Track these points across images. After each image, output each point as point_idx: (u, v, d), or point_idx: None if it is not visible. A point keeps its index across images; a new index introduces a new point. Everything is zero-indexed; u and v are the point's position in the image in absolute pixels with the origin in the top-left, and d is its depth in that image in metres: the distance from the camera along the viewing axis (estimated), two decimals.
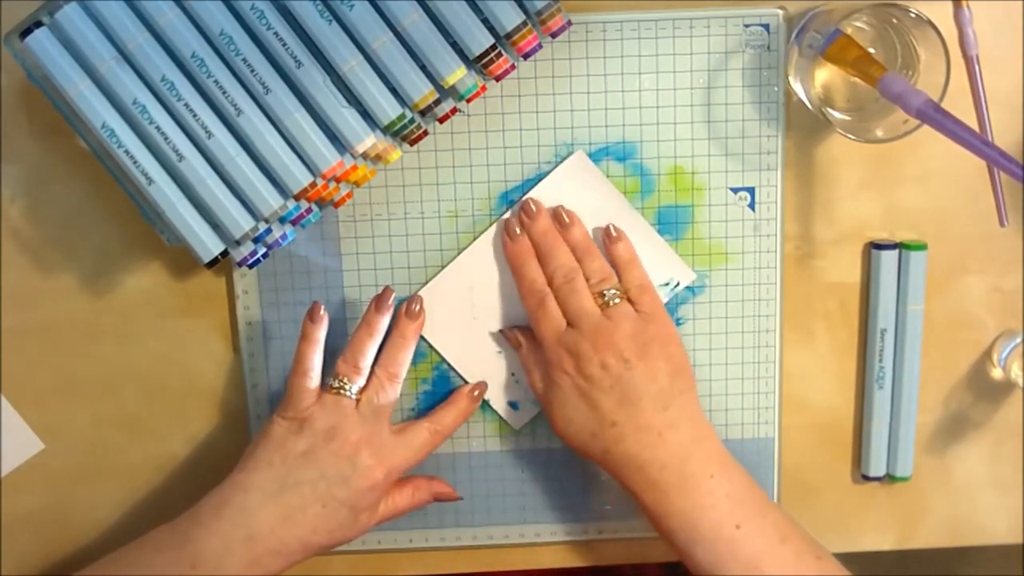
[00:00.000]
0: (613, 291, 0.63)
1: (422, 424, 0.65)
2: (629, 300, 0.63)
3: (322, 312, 0.63)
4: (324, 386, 0.63)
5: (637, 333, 0.61)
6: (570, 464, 0.70)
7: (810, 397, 0.70)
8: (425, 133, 0.60)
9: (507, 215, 0.66)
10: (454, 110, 0.60)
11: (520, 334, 0.66)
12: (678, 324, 0.68)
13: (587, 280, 0.63)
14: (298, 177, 0.59)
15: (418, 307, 0.65)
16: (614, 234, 0.65)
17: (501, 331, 0.67)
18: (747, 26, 0.64)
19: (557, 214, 0.65)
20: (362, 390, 0.63)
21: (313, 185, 0.59)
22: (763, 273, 0.68)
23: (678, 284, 0.68)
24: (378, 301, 0.64)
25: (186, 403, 0.69)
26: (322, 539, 0.61)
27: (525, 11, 0.58)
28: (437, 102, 0.59)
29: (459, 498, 0.69)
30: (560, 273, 0.63)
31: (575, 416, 0.62)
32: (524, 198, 0.65)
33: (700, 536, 0.60)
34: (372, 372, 0.63)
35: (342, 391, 0.62)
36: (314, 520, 0.60)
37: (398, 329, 0.65)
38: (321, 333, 0.63)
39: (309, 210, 0.61)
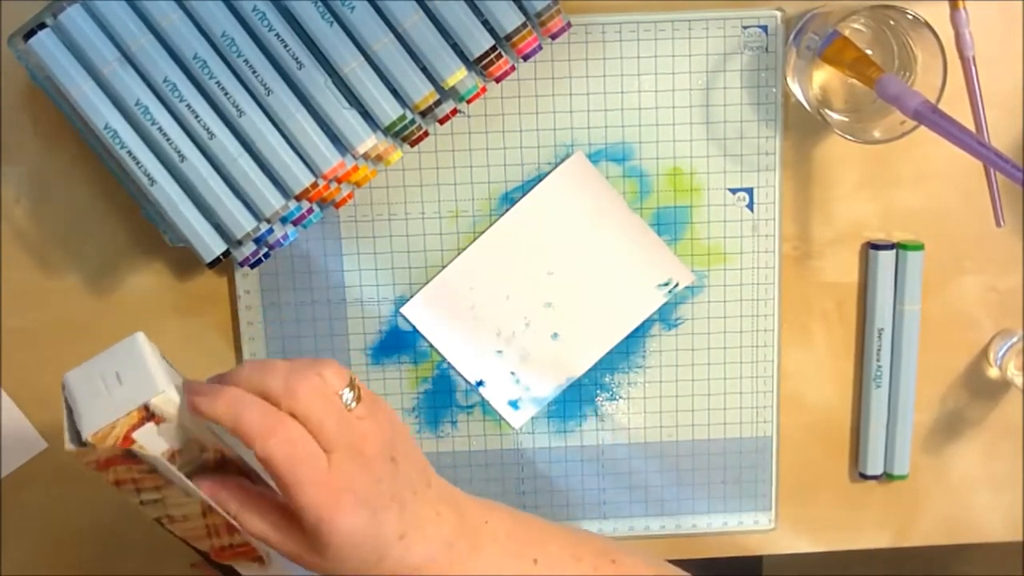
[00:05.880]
0: None
1: None
2: None
3: None
4: None
5: None
6: (570, 463, 0.71)
7: (808, 396, 0.71)
8: (426, 134, 0.61)
9: (504, 218, 0.66)
10: (454, 111, 0.61)
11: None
12: (677, 324, 0.69)
13: None
14: (299, 178, 0.59)
15: None
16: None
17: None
18: (745, 28, 0.64)
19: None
20: None
21: (314, 185, 0.60)
22: (761, 273, 0.68)
23: (676, 285, 0.68)
24: None
25: None
26: None
27: (525, 12, 0.59)
28: (437, 103, 0.60)
29: None
30: None
31: None
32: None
33: None
34: None
35: None
36: None
37: None
38: None
39: (311, 210, 0.61)
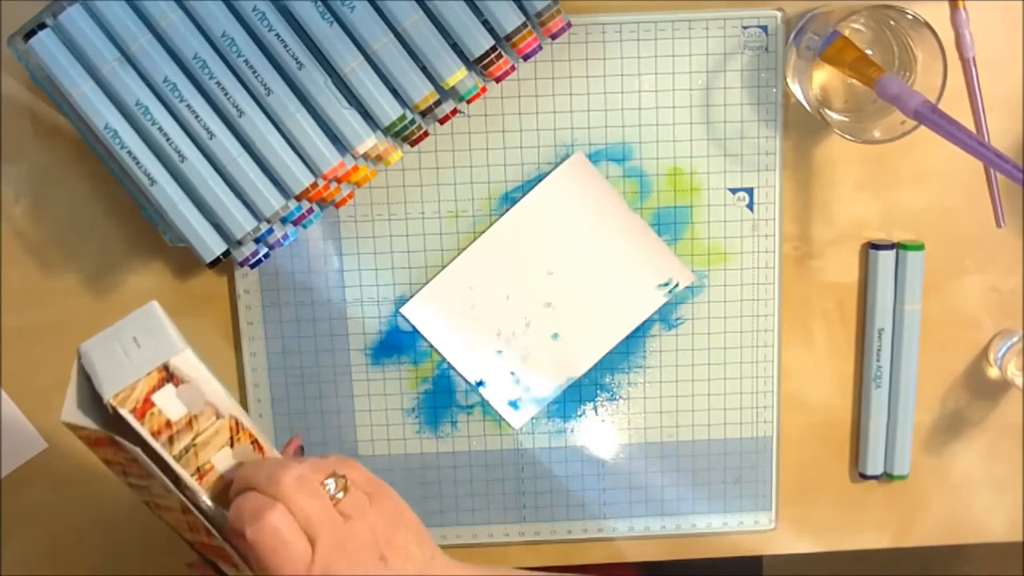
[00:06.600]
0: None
1: None
2: None
3: None
4: None
5: None
6: (570, 463, 0.71)
7: (808, 396, 0.71)
8: (426, 134, 0.61)
9: (504, 218, 0.66)
10: (454, 111, 0.61)
11: None
12: (677, 324, 0.69)
13: None
14: (299, 178, 0.59)
15: None
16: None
17: None
18: (745, 28, 0.64)
19: None
20: None
21: (314, 185, 0.60)
22: (761, 273, 0.68)
23: (677, 285, 0.68)
24: None
25: None
26: None
27: (525, 12, 0.59)
28: (437, 103, 0.60)
29: None
30: None
31: None
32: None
33: None
34: None
35: None
36: None
37: None
38: None
39: (311, 210, 0.61)
